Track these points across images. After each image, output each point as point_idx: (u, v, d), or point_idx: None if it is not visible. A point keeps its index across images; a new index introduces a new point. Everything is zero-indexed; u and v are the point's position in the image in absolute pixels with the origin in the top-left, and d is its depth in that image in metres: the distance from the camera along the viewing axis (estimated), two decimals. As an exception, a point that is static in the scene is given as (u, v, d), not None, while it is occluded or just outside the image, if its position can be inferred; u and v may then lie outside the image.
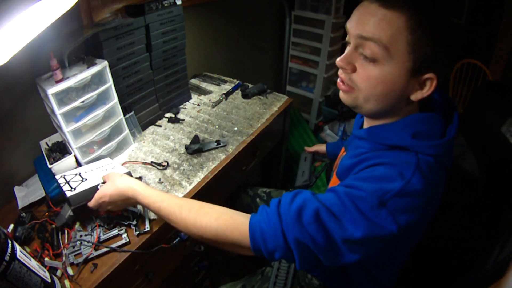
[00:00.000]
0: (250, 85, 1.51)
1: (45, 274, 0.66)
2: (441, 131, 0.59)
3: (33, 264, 0.63)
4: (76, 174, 0.87)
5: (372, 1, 0.52)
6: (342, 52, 0.58)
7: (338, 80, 0.61)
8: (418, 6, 0.49)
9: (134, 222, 0.82)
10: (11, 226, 0.82)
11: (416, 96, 0.55)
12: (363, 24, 0.52)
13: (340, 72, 0.60)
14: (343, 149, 0.81)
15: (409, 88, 0.54)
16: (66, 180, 0.84)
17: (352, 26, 0.55)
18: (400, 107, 0.58)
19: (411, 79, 0.53)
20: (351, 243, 0.51)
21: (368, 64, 0.54)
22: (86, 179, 0.84)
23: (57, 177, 0.87)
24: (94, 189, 0.79)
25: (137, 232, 0.81)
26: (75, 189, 0.79)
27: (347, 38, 0.58)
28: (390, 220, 0.50)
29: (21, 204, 0.90)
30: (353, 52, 0.56)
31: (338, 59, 0.58)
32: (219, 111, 1.34)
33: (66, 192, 0.78)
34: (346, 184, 0.55)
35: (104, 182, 0.80)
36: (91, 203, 0.77)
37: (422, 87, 0.54)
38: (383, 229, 0.50)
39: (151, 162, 1.04)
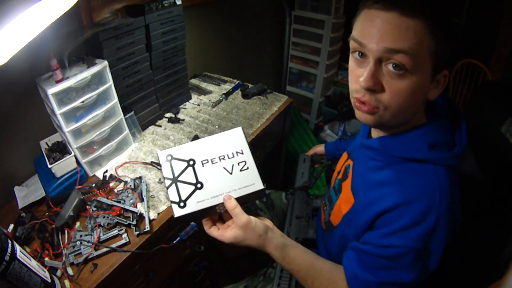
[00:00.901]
0: (250, 85, 1.51)
1: (45, 274, 0.66)
2: (452, 137, 0.59)
3: (33, 264, 0.63)
4: (187, 165, 0.61)
5: (388, 10, 0.48)
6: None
7: (355, 102, 0.56)
8: (433, 11, 0.49)
9: (134, 222, 0.82)
10: (11, 226, 0.82)
11: (432, 94, 0.55)
12: (388, 35, 0.48)
13: (360, 95, 0.54)
14: (345, 155, 0.79)
15: (429, 89, 0.55)
16: (173, 177, 0.60)
17: (373, 39, 0.49)
18: (418, 110, 0.58)
19: (431, 80, 0.54)
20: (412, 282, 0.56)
21: (395, 78, 0.50)
22: (201, 185, 0.60)
23: (162, 158, 0.61)
24: (210, 209, 0.59)
25: (137, 232, 0.81)
26: (185, 204, 0.58)
27: (358, 53, 0.53)
28: (434, 250, 0.54)
29: (21, 204, 0.90)
30: (377, 68, 0.51)
31: (362, 79, 0.52)
32: (219, 111, 1.34)
33: (173, 206, 0.58)
34: (382, 244, 0.55)
35: (223, 204, 0.59)
36: (213, 233, 0.60)
37: (436, 85, 0.55)
38: (433, 260, 0.55)
39: (151, 162, 1.04)
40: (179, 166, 0.61)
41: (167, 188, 0.60)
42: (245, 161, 0.63)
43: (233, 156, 0.63)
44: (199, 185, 0.60)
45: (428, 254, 0.55)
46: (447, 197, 0.52)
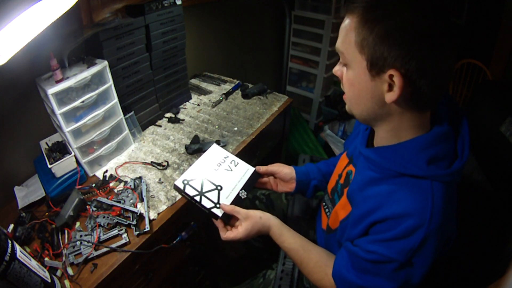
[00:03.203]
0: (250, 85, 1.51)
1: (45, 274, 0.66)
2: (454, 147, 0.58)
3: (33, 264, 0.63)
4: (202, 179, 0.79)
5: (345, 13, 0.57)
6: None
7: None
8: (366, 4, 0.51)
9: (134, 222, 0.82)
10: (11, 226, 0.82)
11: (388, 97, 0.52)
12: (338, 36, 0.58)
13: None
14: (345, 158, 0.77)
15: (378, 88, 0.53)
16: (199, 191, 0.76)
17: None
18: (384, 111, 0.56)
19: (374, 78, 0.53)
20: None
21: (345, 69, 0.59)
22: (220, 187, 0.78)
23: (181, 185, 0.77)
24: (238, 198, 0.78)
25: (137, 232, 0.81)
26: (219, 204, 0.75)
27: None
28: (418, 265, 0.55)
29: (21, 204, 0.90)
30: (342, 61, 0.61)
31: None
32: (219, 111, 1.34)
33: (214, 210, 0.73)
34: (368, 249, 0.57)
35: (244, 190, 0.79)
36: (230, 236, 0.73)
37: (392, 87, 0.52)
38: (416, 274, 0.56)
39: (151, 162, 1.04)
40: (197, 184, 0.78)
41: (200, 201, 0.75)
42: (233, 160, 0.86)
43: (224, 161, 0.85)
44: (219, 187, 0.78)
45: (411, 267, 0.55)
46: (438, 217, 0.52)
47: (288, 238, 0.73)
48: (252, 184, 0.84)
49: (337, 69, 0.61)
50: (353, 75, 0.56)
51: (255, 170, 0.85)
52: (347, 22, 0.54)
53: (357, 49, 0.53)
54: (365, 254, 0.58)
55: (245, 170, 0.84)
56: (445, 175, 0.54)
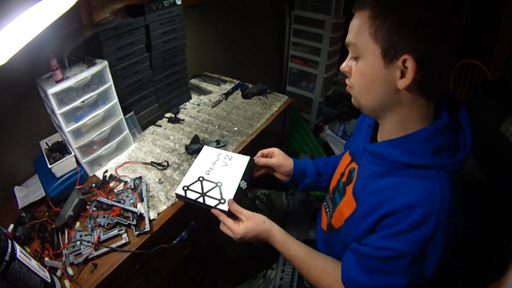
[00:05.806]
0: (250, 85, 1.51)
1: (45, 274, 0.66)
2: (456, 139, 0.59)
3: (33, 264, 0.63)
4: (200, 180, 0.81)
5: (354, 11, 0.59)
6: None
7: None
8: (377, 1, 0.54)
9: (134, 222, 0.82)
10: (11, 226, 0.83)
11: (401, 83, 0.54)
12: (348, 32, 0.60)
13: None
14: (347, 156, 0.78)
15: (391, 76, 0.55)
16: (200, 193, 0.78)
17: None
18: (394, 100, 0.57)
19: (388, 65, 0.54)
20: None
21: (354, 63, 0.60)
22: (220, 183, 0.79)
23: (182, 192, 0.78)
24: (240, 190, 0.78)
25: (137, 232, 0.81)
26: (224, 199, 0.75)
27: None
28: (431, 256, 0.55)
29: (21, 204, 0.90)
30: (350, 57, 0.62)
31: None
32: (219, 111, 1.34)
33: (220, 206, 0.74)
34: (378, 245, 0.57)
35: (244, 181, 0.79)
36: (229, 223, 0.73)
37: (404, 73, 0.54)
38: (429, 266, 0.56)
39: (151, 162, 1.04)
40: (197, 187, 0.79)
41: (204, 202, 0.76)
42: (227, 155, 0.88)
43: (218, 158, 0.87)
44: (219, 184, 0.79)
45: (424, 260, 0.55)
46: (447, 205, 0.52)
47: (294, 246, 0.73)
48: (250, 171, 0.85)
49: (345, 65, 0.63)
50: (365, 65, 0.57)
51: (250, 158, 0.85)
52: (358, 18, 0.57)
53: (371, 39, 0.55)
54: (376, 252, 0.57)
55: (240, 161, 0.85)
56: (450, 164, 0.55)
